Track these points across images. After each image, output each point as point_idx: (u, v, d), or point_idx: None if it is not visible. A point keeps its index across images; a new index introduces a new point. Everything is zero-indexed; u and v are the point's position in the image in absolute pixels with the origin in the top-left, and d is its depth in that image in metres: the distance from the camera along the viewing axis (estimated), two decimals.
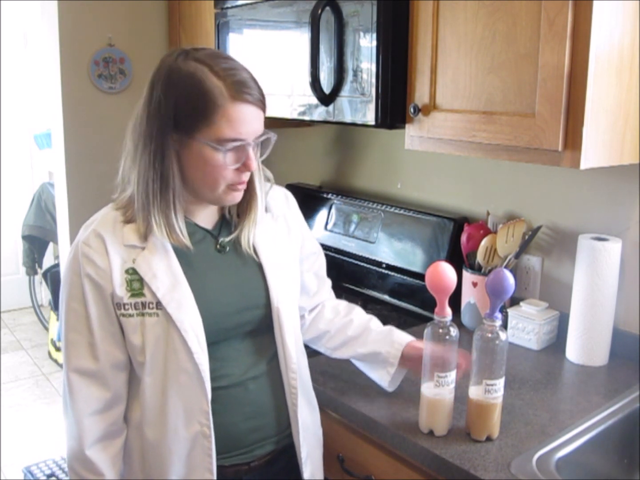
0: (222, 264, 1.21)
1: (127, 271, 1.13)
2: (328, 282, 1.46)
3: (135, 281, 1.13)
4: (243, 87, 1.08)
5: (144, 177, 1.11)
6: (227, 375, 1.19)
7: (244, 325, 1.21)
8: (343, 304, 1.45)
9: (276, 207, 1.29)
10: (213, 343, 1.16)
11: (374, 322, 1.40)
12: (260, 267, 1.22)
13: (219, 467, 1.19)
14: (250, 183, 1.19)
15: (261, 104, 1.11)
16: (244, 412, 1.21)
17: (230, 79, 1.07)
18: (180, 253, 1.16)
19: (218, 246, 1.21)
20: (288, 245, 1.29)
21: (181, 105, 1.08)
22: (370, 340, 1.35)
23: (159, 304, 1.12)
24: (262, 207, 1.22)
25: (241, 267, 1.22)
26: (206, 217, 1.22)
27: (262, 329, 1.23)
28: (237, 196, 1.16)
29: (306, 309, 1.40)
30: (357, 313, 1.42)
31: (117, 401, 1.18)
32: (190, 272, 1.16)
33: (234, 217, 1.23)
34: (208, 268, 1.19)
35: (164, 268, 1.14)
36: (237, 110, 1.07)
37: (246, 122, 1.08)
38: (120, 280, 1.13)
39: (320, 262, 1.43)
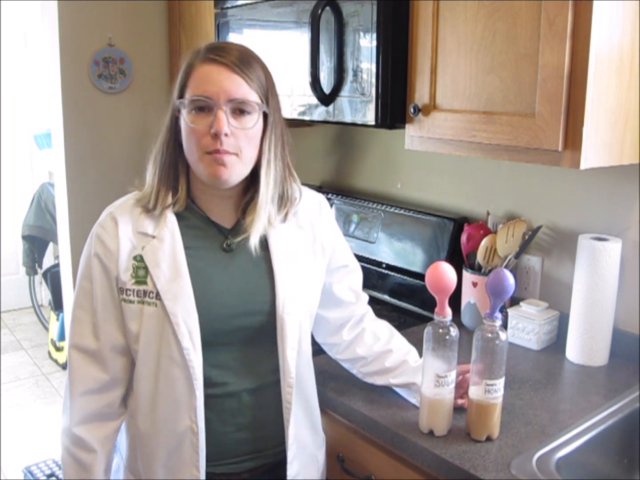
0: (230, 265, 1.19)
1: (135, 258, 1.15)
2: (364, 297, 1.41)
3: (141, 269, 1.15)
4: (215, 50, 1.12)
5: (159, 150, 1.18)
6: (222, 384, 1.18)
7: (242, 330, 1.19)
8: (384, 328, 1.40)
9: (306, 214, 1.26)
10: (211, 347, 1.16)
11: (412, 354, 1.37)
12: (271, 273, 1.20)
13: (209, 474, 1.19)
14: (255, 178, 1.17)
15: (237, 68, 1.10)
16: (237, 423, 1.20)
17: (209, 47, 1.14)
18: (191, 247, 1.17)
19: (225, 245, 1.20)
20: (311, 255, 1.26)
21: (177, 80, 1.16)
22: (405, 372, 1.34)
23: (158, 295, 1.13)
24: (266, 207, 1.17)
25: (250, 271, 1.20)
26: (224, 214, 1.21)
27: (263, 338, 1.20)
28: (221, 171, 1.11)
29: (337, 322, 1.36)
30: (397, 341, 1.38)
31: (114, 385, 1.19)
32: (197, 268, 1.16)
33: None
34: (214, 267, 1.18)
35: (168, 259, 1.15)
36: (204, 68, 1.12)
37: (211, 80, 1.10)
38: (126, 266, 1.15)
39: (354, 277, 1.38)
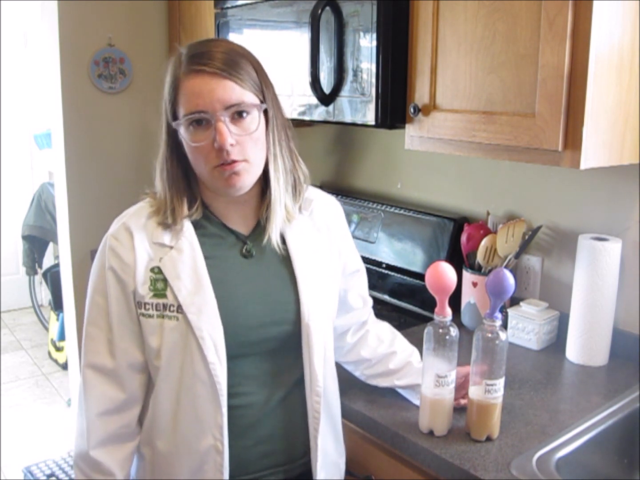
0: (251, 272, 1.15)
1: (152, 270, 1.10)
2: (370, 302, 1.38)
3: (160, 281, 1.09)
4: (198, 58, 1.05)
5: (162, 166, 1.13)
6: (243, 394, 1.13)
7: (268, 341, 1.14)
8: (386, 330, 1.39)
9: (321, 217, 1.23)
10: (234, 357, 1.11)
11: (416, 355, 1.35)
12: (293, 279, 1.15)
13: None
14: (266, 175, 1.13)
15: (224, 72, 1.04)
16: (257, 436, 1.15)
17: (189, 54, 1.07)
18: (210, 256, 1.12)
19: (244, 251, 1.15)
20: (329, 258, 1.22)
21: (165, 96, 1.10)
22: (409, 373, 1.33)
23: (179, 308, 1.08)
24: (282, 200, 1.13)
25: (272, 277, 1.16)
26: (240, 220, 1.16)
27: (289, 347, 1.16)
28: (234, 180, 1.07)
29: (344, 328, 1.33)
30: (400, 343, 1.37)
31: (132, 404, 1.14)
32: (218, 278, 1.11)
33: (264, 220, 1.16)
34: (236, 276, 1.14)
35: (189, 270, 1.09)
36: (191, 82, 1.05)
37: (202, 93, 1.04)
38: (144, 278, 1.09)
39: (362, 282, 1.35)
